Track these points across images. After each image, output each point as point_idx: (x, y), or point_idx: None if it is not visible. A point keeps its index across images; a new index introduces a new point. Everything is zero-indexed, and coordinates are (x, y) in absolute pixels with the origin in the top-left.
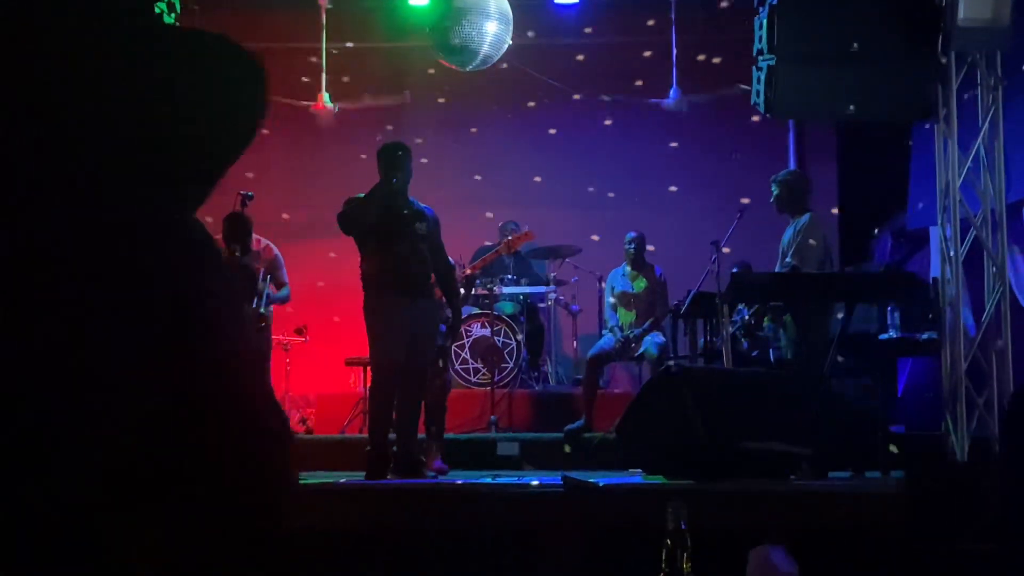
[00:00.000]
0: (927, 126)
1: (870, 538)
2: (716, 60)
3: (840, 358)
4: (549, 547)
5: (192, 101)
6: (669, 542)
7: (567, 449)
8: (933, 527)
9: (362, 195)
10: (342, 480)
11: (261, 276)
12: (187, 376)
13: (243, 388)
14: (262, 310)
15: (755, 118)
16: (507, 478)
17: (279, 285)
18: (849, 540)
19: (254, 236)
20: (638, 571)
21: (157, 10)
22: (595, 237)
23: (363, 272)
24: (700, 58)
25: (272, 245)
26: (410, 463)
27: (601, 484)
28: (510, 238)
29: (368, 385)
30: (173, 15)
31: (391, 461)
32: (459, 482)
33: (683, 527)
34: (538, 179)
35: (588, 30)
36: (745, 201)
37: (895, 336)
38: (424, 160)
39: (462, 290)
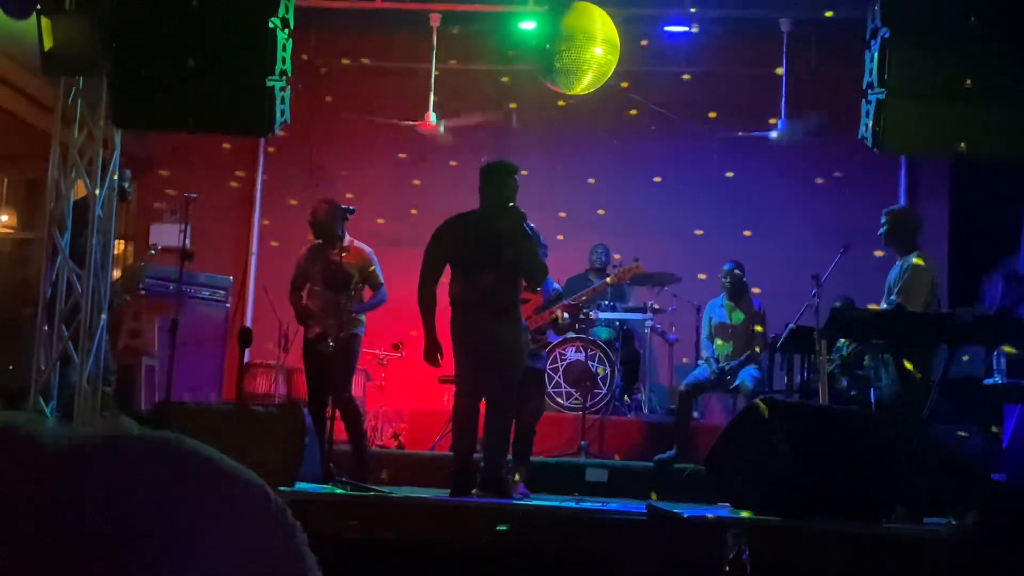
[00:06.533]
0: None
1: None
2: (826, 92)
3: (942, 401)
4: (627, 573)
5: None
6: (728, 569)
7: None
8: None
9: (459, 216)
10: (428, 496)
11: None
12: None
13: None
14: (354, 314)
15: (867, 154)
16: (591, 503)
17: (374, 286)
18: None
19: (347, 237)
20: None
21: (271, 25)
22: (702, 276)
23: (451, 292)
24: (810, 90)
25: (364, 246)
26: (496, 482)
27: (685, 515)
28: (620, 270)
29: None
30: (287, 31)
31: (475, 479)
32: (541, 503)
33: (744, 556)
34: (639, 205)
35: (697, 59)
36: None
37: (1000, 382)
38: (525, 183)
39: (567, 316)
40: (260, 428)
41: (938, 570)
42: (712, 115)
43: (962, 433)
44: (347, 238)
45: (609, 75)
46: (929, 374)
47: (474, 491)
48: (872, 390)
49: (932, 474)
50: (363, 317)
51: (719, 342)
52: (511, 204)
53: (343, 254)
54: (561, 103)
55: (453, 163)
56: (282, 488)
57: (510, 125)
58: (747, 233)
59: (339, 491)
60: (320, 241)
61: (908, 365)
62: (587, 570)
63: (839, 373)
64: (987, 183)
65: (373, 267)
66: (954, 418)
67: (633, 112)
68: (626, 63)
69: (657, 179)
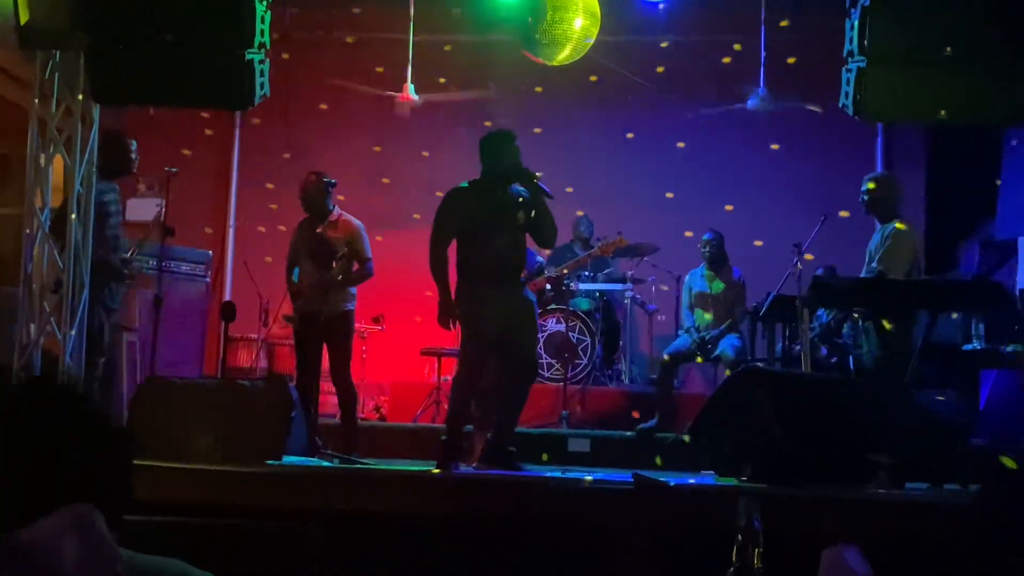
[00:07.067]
0: (1013, 142)
1: (944, 549)
2: (804, 62)
3: (922, 367)
4: (618, 543)
5: None
6: (740, 537)
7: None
8: (1010, 541)
9: (465, 184)
10: (416, 469)
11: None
12: None
13: None
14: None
15: (843, 121)
16: (577, 473)
17: (361, 260)
18: (923, 550)
19: (336, 210)
20: (707, 570)
21: None
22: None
23: (460, 261)
24: (789, 60)
25: (353, 219)
26: (504, 454)
27: (672, 484)
28: (604, 243)
29: (450, 375)
30: (265, 3)
31: (463, 452)
32: (530, 475)
33: (756, 524)
34: (617, 175)
35: (674, 29)
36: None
37: (979, 347)
38: None
39: (549, 287)
40: (247, 402)
41: (924, 534)
42: (691, 90)
43: (941, 398)
44: (336, 211)
45: (590, 46)
46: (910, 341)
47: (475, 464)
48: (851, 358)
49: (913, 439)
50: (354, 291)
51: (699, 312)
52: (522, 167)
53: (330, 227)
54: (539, 89)
55: (431, 136)
56: (270, 462)
57: (489, 96)
58: (728, 207)
59: (326, 464)
60: (309, 215)
61: (887, 324)
62: (578, 539)
63: (819, 341)
64: (963, 149)
65: (360, 241)
66: (934, 383)
67: (611, 87)
68: (604, 33)
69: (629, 134)
